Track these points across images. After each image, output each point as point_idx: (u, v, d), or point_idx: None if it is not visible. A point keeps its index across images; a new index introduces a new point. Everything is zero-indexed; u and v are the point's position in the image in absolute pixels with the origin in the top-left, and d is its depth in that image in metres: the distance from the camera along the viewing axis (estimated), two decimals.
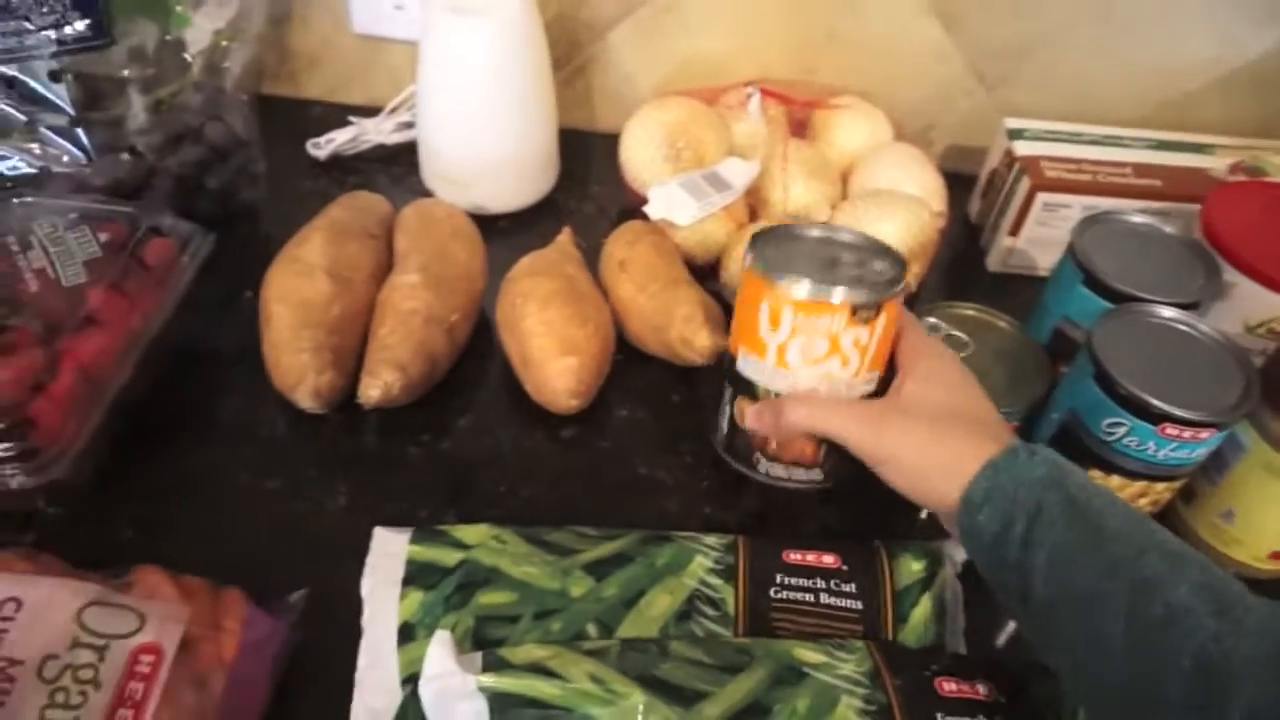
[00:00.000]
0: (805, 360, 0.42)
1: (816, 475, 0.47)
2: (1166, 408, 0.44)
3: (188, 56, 0.61)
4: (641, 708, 0.36)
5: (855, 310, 0.41)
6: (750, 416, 0.45)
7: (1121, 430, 0.46)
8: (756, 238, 0.45)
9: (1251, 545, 0.49)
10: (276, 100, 0.77)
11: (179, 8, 0.60)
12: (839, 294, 0.41)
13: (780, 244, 0.45)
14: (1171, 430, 0.44)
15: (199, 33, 0.61)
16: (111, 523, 0.48)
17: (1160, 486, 0.48)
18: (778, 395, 0.44)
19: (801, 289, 0.41)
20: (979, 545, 0.38)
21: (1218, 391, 0.45)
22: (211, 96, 0.63)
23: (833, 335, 0.42)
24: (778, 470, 0.47)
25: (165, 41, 0.60)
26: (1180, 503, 0.51)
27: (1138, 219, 0.55)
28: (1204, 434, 0.45)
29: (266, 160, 0.69)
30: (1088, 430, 0.47)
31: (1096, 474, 0.48)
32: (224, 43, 0.64)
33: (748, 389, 0.45)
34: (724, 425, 0.48)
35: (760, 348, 0.43)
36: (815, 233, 0.46)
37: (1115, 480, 0.48)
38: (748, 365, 0.45)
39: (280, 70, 0.77)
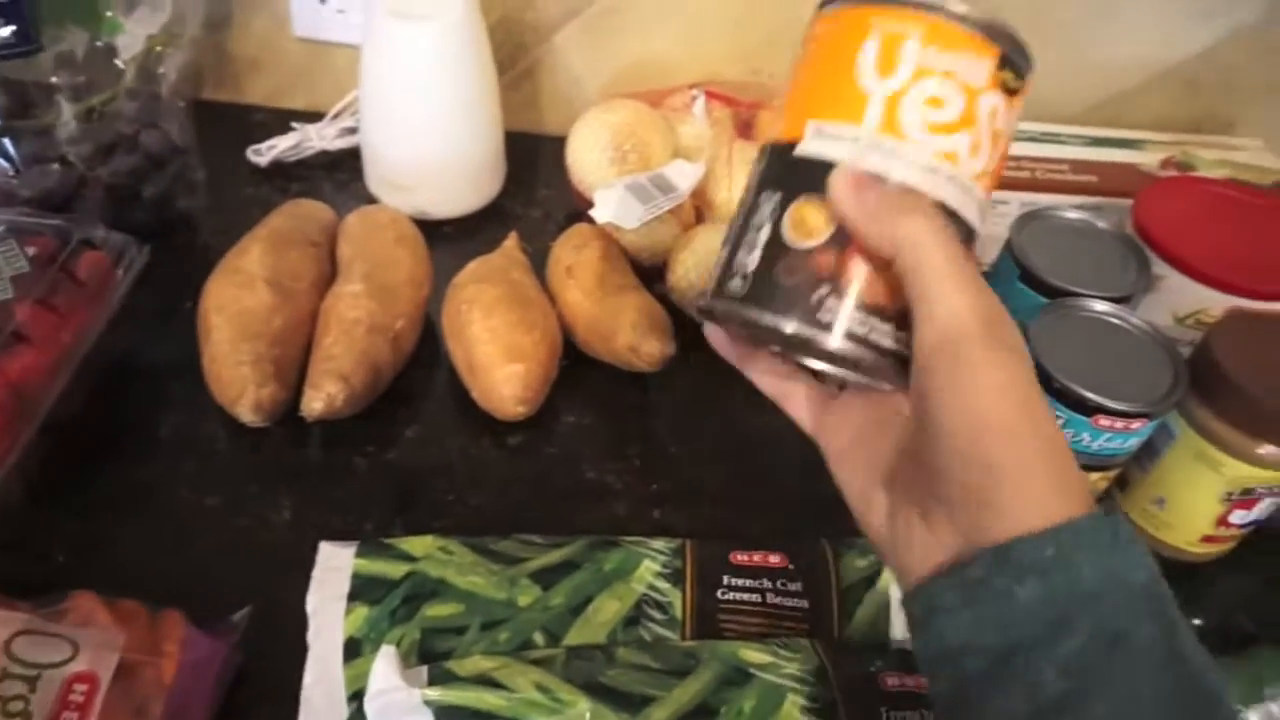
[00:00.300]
0: (927, 125, 0.29)
1: (901, 343, 0.30)
2: (1100, 400, 0.45)
3: (120, 63, 0.59)
4: (588, 716, 0.36)
5: (1006, 62, 0.29)
6: (841, 183, 0.28)
7: (1058, 423, 0.46)
8: None
9: (1182, 530, 0.51)
10: (216, 106, 0.76)
11: (110, 13, 0.59)
12: (988, 25, 0.29)
13: None
14: (1105, 421, 0.45)
15: (131, 38, 0.59)
16: (44, 545, 0.47)
17: (1095, 476, 0.49)
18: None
19: (937, 12, 0.29)
20: (984, 620, 0.26)
21: (1148, 383, 0.46)
22: (146, 103, 0.62)
23: (972, 91, 0.29)
24: (855, 319, 0.29)
25: (96, 48, 0.59)
26: (1115, 490, 0.53)
27: (1072, 215, 0.56)
28: (1136, 424, 0.46)
29: (205, 168, 0.67)
30: None
31: None
32: (158, 48, 0.63)
33: (816, 180, 0.29)
34: (751, 260, 0.30)
35: (855, 106, 0.29)
36: None
37: None
38: (824, 140, 0.29)
39: (220, 75, 0.76)
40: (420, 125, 0.64)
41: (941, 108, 0.29)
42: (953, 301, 0.27)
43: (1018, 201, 0.65)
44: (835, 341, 0.29)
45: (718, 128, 0.66)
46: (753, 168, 0.33)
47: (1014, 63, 0.29)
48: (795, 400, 0.36)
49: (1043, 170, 0.66)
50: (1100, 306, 0.50)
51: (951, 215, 0.29)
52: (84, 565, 0.46)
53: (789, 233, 0.30)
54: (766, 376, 0.37)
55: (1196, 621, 0.50)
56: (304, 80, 0.76)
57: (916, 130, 0.29)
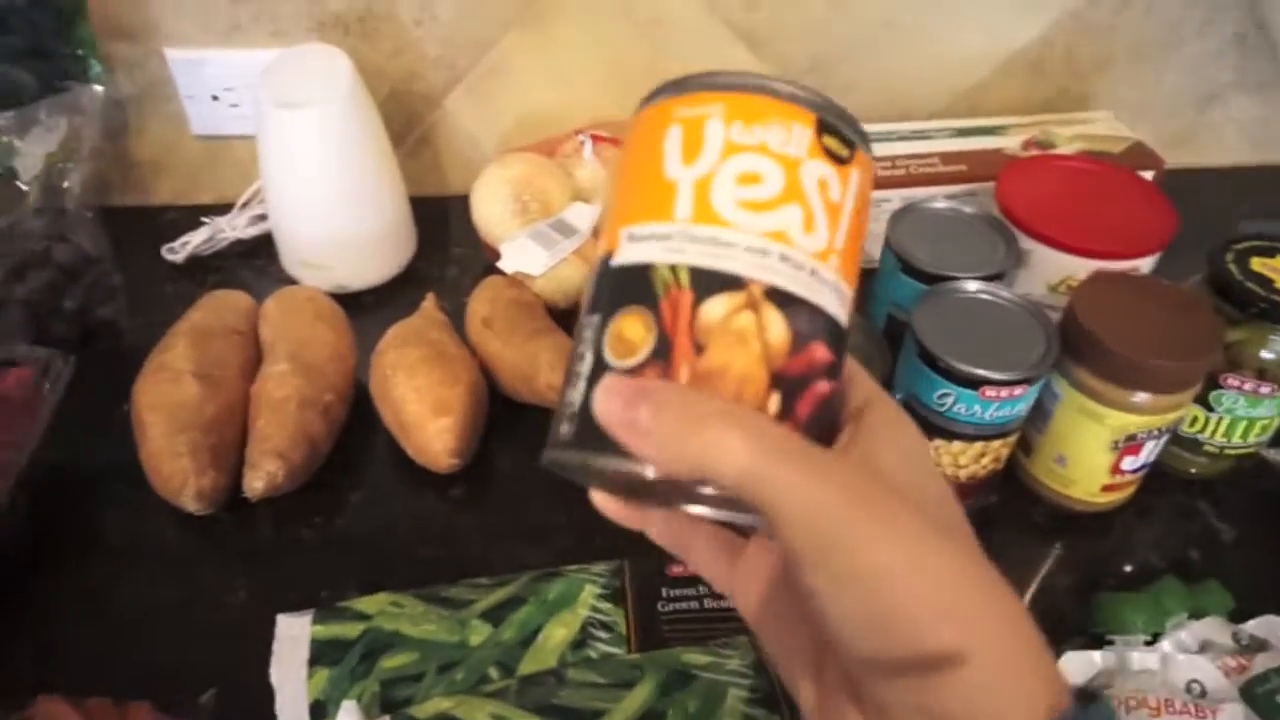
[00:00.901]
0: (745, 204, 0.26)
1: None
2: (982, 373, 0.49)
3: (21, 185, 0.61)
4: None
5: (825, 129, 0.26)
6: (605, 397, 0.24)
7: (950, 400, 0.50)
8: (660, 87, 0.28)
9: (1084, 483, 0.55)
10: (126, 211, 0.77)
11: (4, 139, 0.61)
12: (799, 94, 0.26)
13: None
14: (991, 392, 0.49)
15: (29, 159, 0.61)
16: (6, 656, 0.48)
17: (997, 444, 0.53)
18: (686, 285, 0.25)
19: (739, 78, 0.26)
20: None
21: (1025, 351, 0.51)
22: (53, 218, 0.63)
23: (791, 162, 0.26)
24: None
25: None
26: (1021, 455, 0.57)
27: (941, 205, 0.61)
28: (1019, 390, 0.50)
29: (122, 272, 0.69)
30: (923, 404, 0.52)
31: (940, 443, 0.53)
32: (59, 165, 0.64)
33: (632, 290, 0.26)
34: (576, 396, 0.26)
35: (664, 200, 0.26)
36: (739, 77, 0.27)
37: (957, 445, 0.52)
38: (637, 245, 0.26)
39: (126, 181, 0.77)
40: (325, 204, 0.67)
41: (758, 183, 0.25)
42: (791, 492, 0.22)
43: (898, 198, 0.69)
44: (657, 495, 0.25)
45: (610, 166, 0.70)
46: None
47: (835, 128, 0.26)
48: (696, 553, 0.31)
49: (915, 166, 0.71)
50: (974, 286, 0.54)
51: (794, 301, 0.25)
52: (47, 671, 0.47)
53: (609, 354, 0.26)
54: (662, 527, 0.31)
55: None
56: (208, 175, 0.78)
57: (733, 212, 0.25)
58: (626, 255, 0.26)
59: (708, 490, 0.24)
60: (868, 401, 0.27)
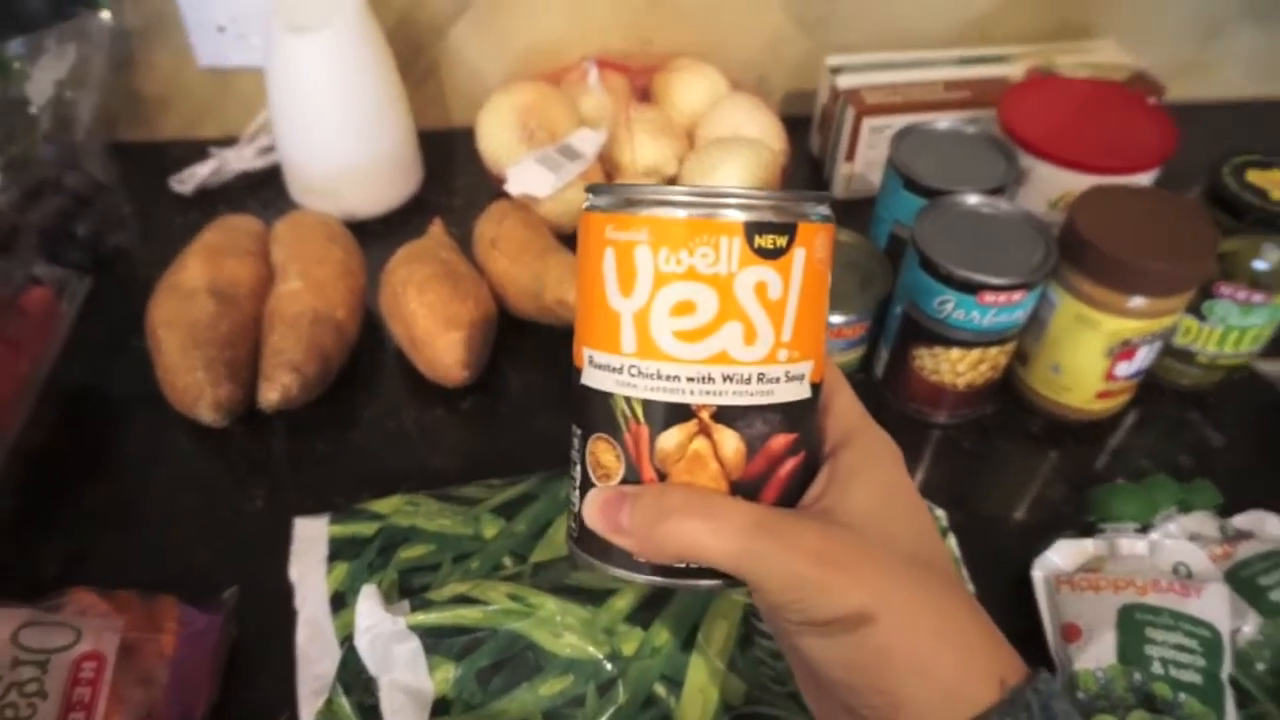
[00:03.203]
0: (682, 334, 0.26)
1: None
2: (981, 278, 0.50)
3: (33, 110, 0.62)
4: (557, 614, 0.40)
5: (755, 231, 0.26)
6: (590, 510, 0.28)
7: (949, 306, 0.51)
8: (594, 189, 0.29)
9: (1079, 390, 0.56)
10: (133, 146, 0.78)
11: (16, 64, 0.61)
12: (724, 203, 0.26)
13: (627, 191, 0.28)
14: (989, 297, 0.50)
15: (40, 85, 0.62)
16: (36, 562, 0.50)
17: (994, 351, 0.54)
18: (641, 419, 0.27)
19: (660, 206, 0.26)
20: None
21: (1024, 258, 0.52)
22: (64, 147, 0.64)
23: (721, 280, 0.26)
24: (686, 571, 0.28)
25: (7, 100, 0.61)
26: (1017, 365, 0.58)
27: (943, 125, 0.62)
28: (1017, 296, 0.51)
29: (133, 204, 0.70)
30: (923, 312, 0.53)
31: (939, 349, 0.54)
32: (68, 93, 0.65)
33: (600, 415, 0.28)
34: (575, 501, 0.29)
35: (612, 331, 0.27)
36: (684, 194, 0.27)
37: (955, 352, 0.54)
38: (597, 371, 0.28)
39: (133, 116, 0.78)
40: (333, 131, 0.67)
41: (692, 312, 0.26)
42: (765, 568, 0.25)
43: (901, 124, 0.70)
44: (658, 578, 0.28)
45: (614, 95, 0.71)
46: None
47: (765, 225, 0.26)
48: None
49: (919, 93, 0.72)
50: (974, 199, 0.55)
51: (744, 413, 0.27)
52: (75, 574, 0.49)
53: (591, 474, 0.28)
54: None
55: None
56: (215, 108, 0.78)
57: (672, 345, 0.26)
58: (591, 378, 0.28)
59: (691, 572, 0.27)
60: (850, 436, 0.29)
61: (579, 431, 0.29)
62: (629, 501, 0.27)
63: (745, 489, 0.27)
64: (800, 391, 0.27)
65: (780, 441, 0.27)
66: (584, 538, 0.29)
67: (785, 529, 0.26)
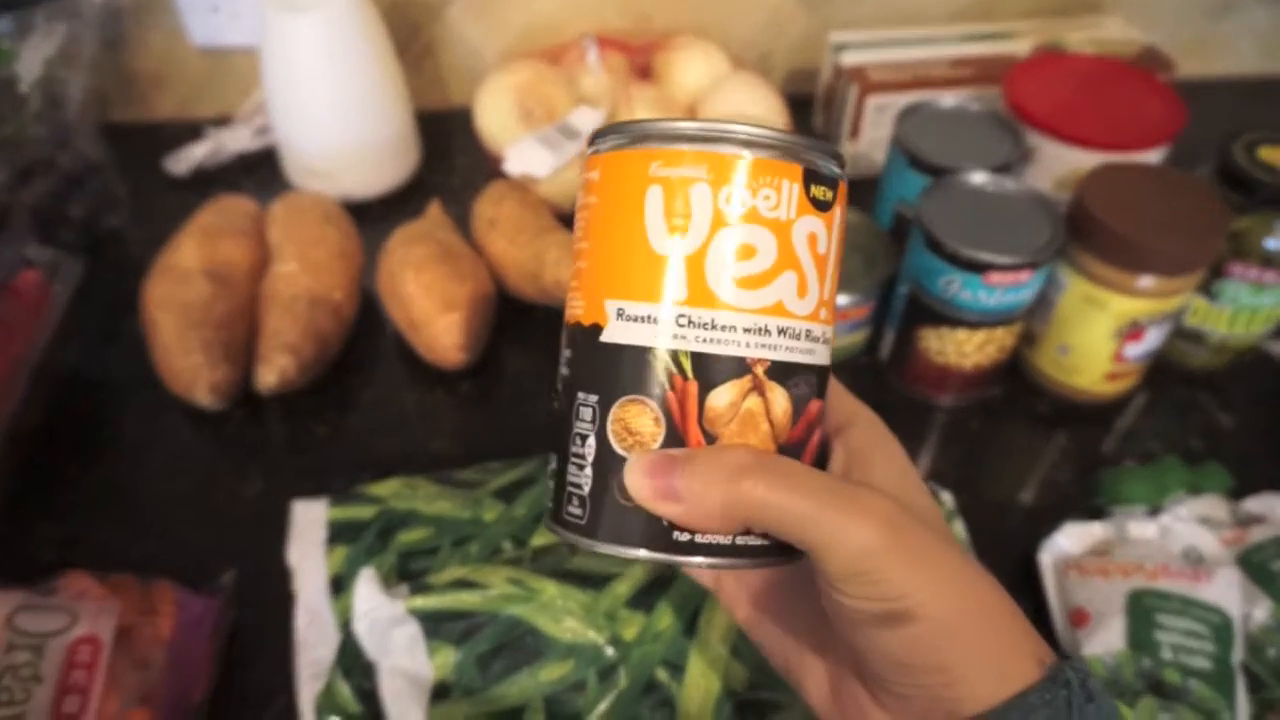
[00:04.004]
0: (743, 281, 0.24)
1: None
2: (987, 257, 0.49)
3: (22, 89, 0.61)
4: (557, 598, 0.39)
5: (812, 179, 0.25)
6: (636, 476, 0.24)
7: (955, 286, 0.51)
8: (614, 128, 0.26)
9: (1087, 371, 0.55)
10: (127, 127, 0.77)
11: (5, 43, 0.60)
12: (784, 143, 0.24)
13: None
14: (996, 277, 0.50)
15: (29, 65, 0.61)
16: (31, 546, 0.49)
17: (1000, 332, 0.53)
18: (690, 375, 0.24)
19: (718, 143, 0.24)
20: None
21: (1030, 237, 0.51)
22: (57, 127, 0.63)
23: (783, 226, 0.24)
24: (733, 548, 0.25)
25: None
26: (1024, 346, 0.57)
27: (948, 102, 0.61)
28: (1024, 276, 0.50)
29: (127, 186, 0.69)
30: (928, 293, 0.52)
31: (944, 330, 0.53)
32: (59, 72, 0.64)
33: (632, 375, 0.25)
34: (584, 480, 0.26)
35: (653, 277, 0.24)
36: (688, 124, 0.25)
37: (961, 333, 0.53)
38: (628, 325, 0.25)
39: (127, 95, 0.77)
40: (328, 112, 0.66)
41: (753, 257, 0.24)
42: (842, 534, 0.23)
43: (905, 102, 0.69)
44: (701, 560, 0.25)
45: (614, 73, 0.69)
46: (561, 351, 0.27)
47: (819, 174, 0.25)
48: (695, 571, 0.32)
49: (923, 70, 0.70)
50: (979, 178, 0.54)
51: (793, 371, 0.25)
52: (71, 559, 0.48)
53: (616, 444, 0.25)
54: None
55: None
56: (210, 88, 0.77)
57: (730, 292, 0.24)
58: (618, 334, 0.25)
59: (739, 551, 0.25)
60: (850, 419, 0.28)
61: (593, 399, 0.25)
62: (682, 464, 0.24)
63: (789, 453, 0.25)
64: (828, 357, 0.26)
65: (816, 406, 0.26)
66: (600, 521, 0.25)
67: (859, 496, 0.24)
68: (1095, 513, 0.48)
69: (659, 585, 0.40)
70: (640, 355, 0.24)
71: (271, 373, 0.52)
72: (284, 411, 0.56)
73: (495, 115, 0.67)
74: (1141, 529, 0.45)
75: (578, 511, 0.26)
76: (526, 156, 0.62)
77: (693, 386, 0.24)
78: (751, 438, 0.24)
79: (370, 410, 0.56)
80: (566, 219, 0.63)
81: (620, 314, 0.25)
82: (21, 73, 0.60)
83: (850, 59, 0.72)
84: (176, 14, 0.73)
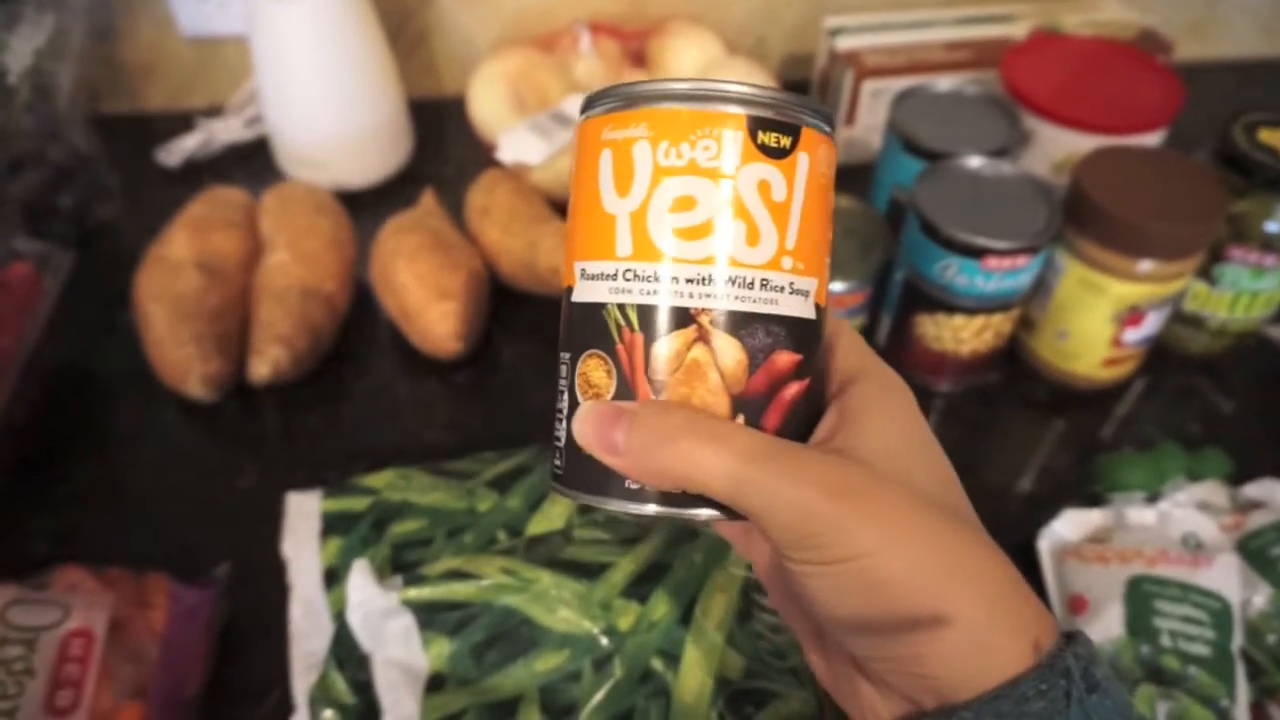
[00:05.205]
0: (681, 232, 0.25)
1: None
2: (984, 241, 0.49)
3: (11, 80, 0.60)
4: (551, 588, 0.39)
5: (759, 127, 0.25)
6: (582, 425, 0.25)
7: (952, 270, 0.50)
8: (591, 97, 0.27)
9: (1086, 357, 0.55)
10: (119, 118, 0.76)
11: None
12: (726, 95, 0.25)
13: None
14: (993, 262, 0.49)
15: (18, 55, 0.60)
16: (23, 540, 0.49)
17: (998, 318, 0.53)
18: (635, 327, 0.25)
19: (660, 101, 0.25)
20: None
21: (1028, 222, 0.50)
22: (46, 118, 0.63)
23: (723, 175, 0.25)
24: (688, 500, 0.25)
25: None
26: (1022, 331, 0.57)
27: (943, 86, 0.60)
28: (1021, 260, 0.50)
29: (118, 177, 0.68)
30: (924, 278, 0.52)
31: (941, 316, 0.53)
32: (48, 63, 0.63)
33: (591, 331, 0.26)
34: (561, 434, 0.27)
35: (606, 236, 0.25)
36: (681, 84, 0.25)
37: (958, 319, 0.52)
38: (590, 283, 0.26)
39: (116, 87, 0.76)
40: (319, 101, 0.66)
41: (692, 208, 0.24)
42: (772, 499, 0.23)
43: (901, 87, 0.68)
44: (653, 509, 0.25)
45: (607, 60, 0.69)
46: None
47: (769, 122, 0.25)
48: (729, 530, 0.31)
49: (919, 54, 0.70)
50: (976, 162, 0.53)
51: (746, 320, 0.25)
52: (63, 553, 0.48)
53: (580, 396, 0.26)
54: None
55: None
56: (200, 79, 0.77)
57: (670, 244, 0.24)
58: (582, 293, 0.26)
59: (693, 502, 0.25)
60: (857, 375, 0.27)
61: (567, 357, 0.27)
62: (626, 419, 0.24)
63: (748, 407, 0.25)
64: (804, 309, 0.26)
65: (784, 359, 0.25)
66: (571, 470, 0.26)
67: (794, 457, 0.23)
68: (1094, 499, 0.48)
69: (654, 574, 0.40)
70: (596, 311, 0.26)
71: (264, 364, 0.52)
72: (277, 403, 0.55)
73: (488, 103, 0.67)
74: (1140, 515, 0.45)
75: (559, 463, 0.27)
76: (519, 144, 0.62)
77: (639, 338, 0.25)
78: (699, 388, 0.25)
79: (364, 401, 0.56)
80: (560, 207, 0.63)
81: (583, 274, 0.26)
82: (10, 63, 0.60)
83: (845, 43, 0.71)
84: (165, 3, 0.72)
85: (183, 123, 0.74)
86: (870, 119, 0.71)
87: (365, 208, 0.68)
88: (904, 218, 0.54)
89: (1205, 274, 0.55)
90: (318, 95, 0.66)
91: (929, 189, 0.51)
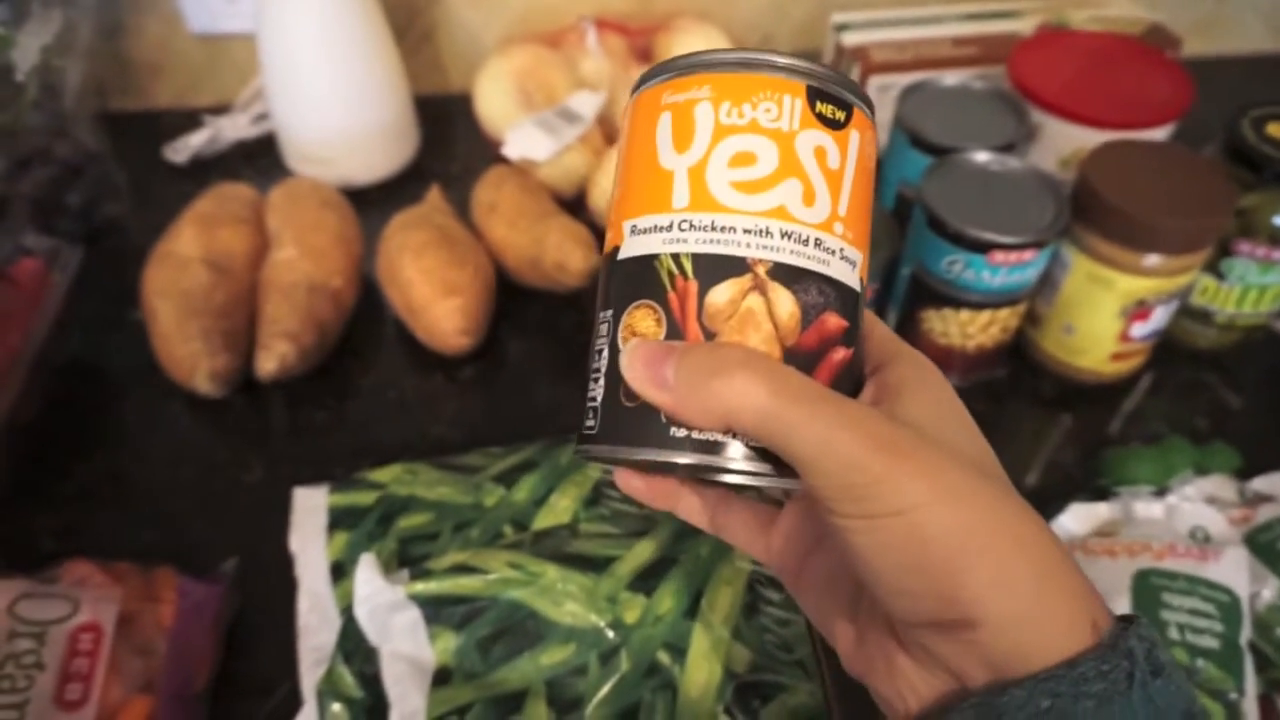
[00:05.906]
0: (741, 185, 0.25)
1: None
2: (991, 236, 0.49)
3: (19, 77, 0.60)
4: (558, 582, 0.39)
5: (817, 96, 0.26)
6: (631, 361, 0.25)
7: (958, 266, 0.50)
8: (647, 73, 0.28)
9: (1092, 352, 0.55)
10: (126, 116, 0.76)
11: (1, 30, 0.60)
12: (787, 64, 0.26)
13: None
14: (999, 256, 0.49)
15: (26, 52, 0.60)
16: (32, 535, 0.49)
17: (1005, 312, 0.53)
18: (690, 274, 0.25)
19: (723, 67, 0.26)
20: None
21: (1035, 216, 0.50)
22: (54, 115, 0.63)
23: (784, 136, 0.25)
24: (729, 451, 0.25)
25: None
26: (1029, 326, 0.57)
27: (950, 81, 0.60)
28: (1028, 255, 0.49)
29: (126, 174, 0.69)
30: (931, 273, 0.52)
31: (947, 311, 0.52)
32: (55, 61, 0.64)
33: (640, 284, 0.26)
34: (598, 392, 0.26)
35: (662, 191, 0.26)
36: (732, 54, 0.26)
37: (964, 314, 0.52)
38: (640, 238, 0.26)
39: (125, 84, 0.77)
40: (326, 98, 0.66)
41: (752, 163, 0.25)
42: (825, 444, 0.22)
43: (908, 82, 0.68)
44: (689, 457, 0.25)
45: (613, 56, 0.69)
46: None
47: (827, 94, 0.26)
48: (732, 530, 0.31)
49: (926, 50, 0.70)
50: (983, 157, 0.53)
51: (801, 276, 0.25)
52: (72, 547, 0.48)
53: (623, 346, 0.26)
54: (695, 511, 0.31)
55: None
56: (208, 75, 0.77)
57: (729, 196, 0.25)
58: (631, 248, 0.26)
59: (734, 454, 0.24)
60: (891, 358, 0.27)
61: (609, 314, 0.26)
62: (677, 354, 0.24)
63: (799, 362, 0.25)
64: (851, 279, 0.26)
65: (834, 321, 0.26)
66: (606, 425, 0.26)
67: (849, 408, 0.23)
68: (1101, 493, 0.48)
69: (660, 568, 0.40)
70: (648, 263, 0.26)
71: (271, 360, 0.52)
72: (284, 398, 0.56)
73: (494, 99, 0.67)
74: (1148, 509, 0.45)
75: (590, 424, 0.26)
76: (526, 140, 0.62)
77: (693, 285, 0.25)
78: (753, 336, 0.25)
79: (370, 396, 0.56)
80: (566, 203, 0.63)
81: (633, 230, 0.26)
82: (18, 60, 0.60)
83: (852, 39, 0.71)
84: (173, 1, 0.72)
85: (190, 120, 0.74)
86: (877, 115, 0.71)
87: (372, 204, 0.68)
88: (911, 213, 0.54)
89: (1213, 268, 0.55)
90: (325, 92, 0.66)
91: (936, 184, 0.51)
